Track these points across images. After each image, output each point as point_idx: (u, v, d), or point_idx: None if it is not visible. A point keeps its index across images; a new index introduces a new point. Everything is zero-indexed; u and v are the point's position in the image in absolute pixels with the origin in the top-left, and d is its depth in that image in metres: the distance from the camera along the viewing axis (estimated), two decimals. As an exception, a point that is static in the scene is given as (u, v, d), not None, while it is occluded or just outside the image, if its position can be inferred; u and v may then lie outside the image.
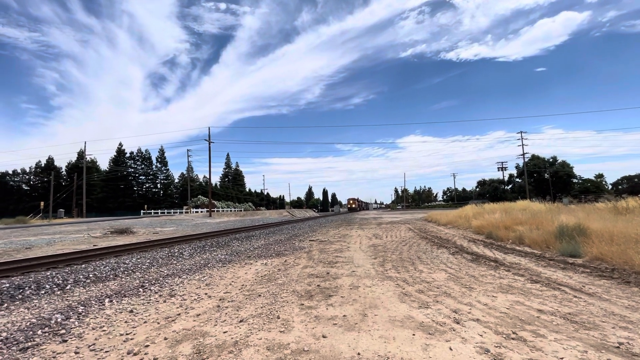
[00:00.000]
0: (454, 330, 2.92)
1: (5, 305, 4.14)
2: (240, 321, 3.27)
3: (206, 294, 4.50)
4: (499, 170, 68.24)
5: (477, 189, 79.42)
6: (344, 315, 3.35)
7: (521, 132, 53.92)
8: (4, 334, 3.11)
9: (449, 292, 4.18)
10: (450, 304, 3.68)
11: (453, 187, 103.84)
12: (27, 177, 75.50)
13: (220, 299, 4.17)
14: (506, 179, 69.78)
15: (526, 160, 56.36)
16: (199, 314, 3.59)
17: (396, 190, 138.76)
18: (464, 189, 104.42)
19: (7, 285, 4.89)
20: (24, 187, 74.09)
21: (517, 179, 67.83)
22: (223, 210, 56.58)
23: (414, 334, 2.85)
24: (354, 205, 75.70)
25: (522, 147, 54.10)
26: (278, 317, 3.34)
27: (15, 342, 2.95)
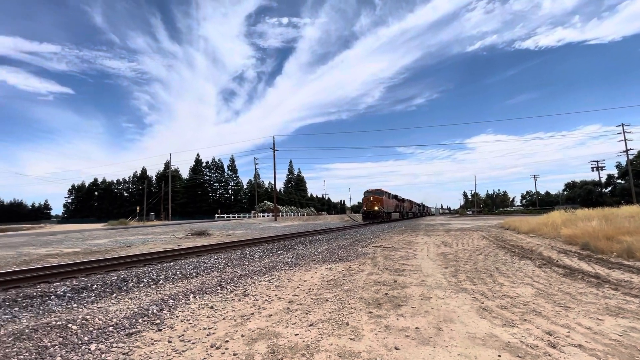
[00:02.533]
0: (549, 355, 2.55)
1: (115, 294, 4.87)
2: (310, 325, 3.33)
3: (276, 295, 4.69)
4: (593, 170, 58.00)
5: (565, 193, 69.25)
6: (417, 328, 3.17)
7: (622, 124, 45.71)
8: (114, 320, 3.64)
9: (538, 310, 3.68)
10: (542, 324, 3.23)
11: (534, 191, 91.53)
12: (126, 185, 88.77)
13: (289, 301, 4.31)
14: (603, 180, 59.23)
15: (631, 157, 47.43)
16: (271, 315, 3.75)
17: (465, 195, 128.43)
18: (547, 193, 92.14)
19: (115, 278, 5.76)
20: (125, 194, 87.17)
21: (619, 180, 57.10)
22: (287, 215, 58.91)
23: (499, 355, 2.56)
24: (376, 208, 31.05)
25: (625, 143, 45.74)
26: (347, 324, 3.31)
27: (123, 328, 3.44)
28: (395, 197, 39.56)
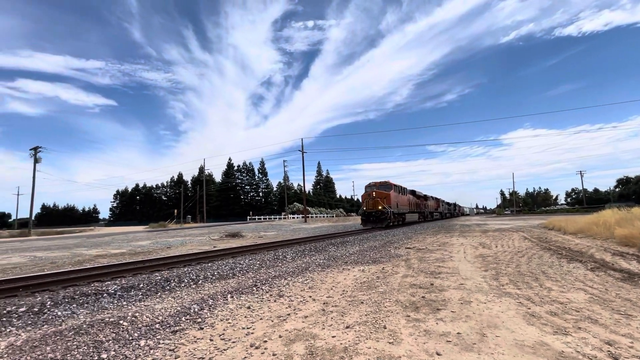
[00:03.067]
0: (610, 367, 2.34)
1: (159, 294, 5.15)
2: (347, 327, 3.31)
3: (310, 296, 4.72)
4: (650, 164, 52.82)
5: (618, 189, 63.49)
6: (458, 333, 3.05)
7: (685, 112, 40.96)
8: (160, 318, 3.85)
9: (594, 317, 3.39)
10: (600, 333, 2.97)
11: (580, 188, 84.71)
12: (165, 190, 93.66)
13: (324, 303, 4.32)
14: (663, 174, 53.53)
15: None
16: (307, 316, 3.78)
17: (502, 193, 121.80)
18: (596, 190, 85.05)
19: (159, 277, 6.09)
20: (163, 197, 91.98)
21: (683, 175, 51.38)
22: (316, 216, 59.23)
23: (552, 365, 2.39)
24: (380, 207, 21.66)
25: (689, 133, 40.99)
26: (384, 327, 3.25)
27: (168, 326, 3.62)
28: (413, 193, 31.18)
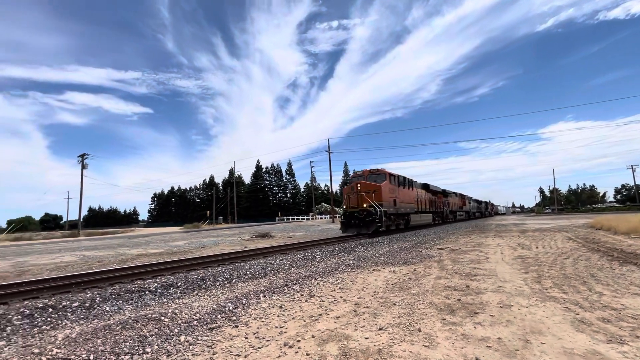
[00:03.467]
0: (677, 381, 2.12)
1: (196, 292, 5.37)
2: (380, 329, 3.26)
3: (341, 297, 4.71)
4: None
5: (677, 185, 57.58)
6: (499, 338, 2.90)
7: None
8: (198, 315, 4.01)
9: (654, 325, 3.09)
10: (662, 342, 2.70)
11: (631, 184, 77.55)
12: (197, 192, 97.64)
13: (355, 304, 4.29)
14: None
15: None
16: (339, 317, 3.77)
17: (542, 191, 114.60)
18: (651, 185, 77.52)
19: (195, 276, 6.36)
20: (196, 199, 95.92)
21: None
22: (344, 217, 58.98)
23: (607, 376, 2.21)
24: (365, 205, 15.14)
25: None
26: (419, 330, 3.17)
27: (205, 323, 3.76)
28: (425, 187, 24.98)
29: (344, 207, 16.47)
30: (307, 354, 2.76)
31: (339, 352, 2.77)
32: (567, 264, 6.60)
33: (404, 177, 19.81)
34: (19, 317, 4.05)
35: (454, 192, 35.16)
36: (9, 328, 3.72)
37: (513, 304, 3.97)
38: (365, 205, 15.24)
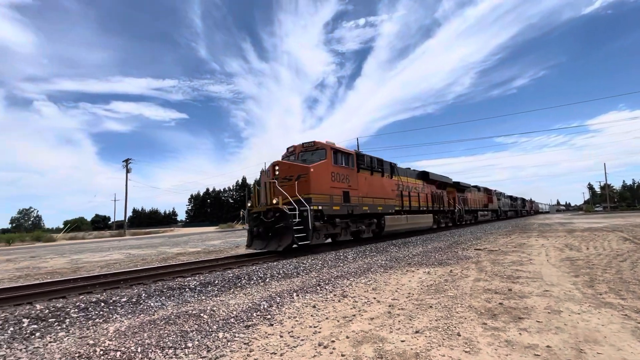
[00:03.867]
0: None
1: (232, 290, 5.55)
2: (416, 332, 3.17)
3: (374, 298, 4.64)
4: None
5: None
6: (548, 346, 2.71)
7: None
8: (235, 313, 4.14)
9: None
10: None
11: (700, 178, 68.99)
12: (231, 193, 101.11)
13: (389, 305, 4.20)
14: None
15: None
16: (373, 318, 3.72)
17: (591, 187, 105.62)
18: None
19: (231, 275, 6.57)
20: (230, 200, 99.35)
21: None
22: (374, 216, 58.26)
23: (679, 394, 1.98)
24: (275, 201, 8.88)
25: None
26: (458, 335, 3.04)
27: (241, 320, 3.87)
28: (424, 176, 18.54)
29: (249, 205, 10.29)
30: (342, 355, 2.74)
31: (375, 354, 2.73)
32: (624, 267, 6.03)
33: (373, 158, 13.07)
34: (76, 310, 4.41)
35: (475, 186, 29.21)
36: (68, 320, 4.06)
37: (562, 309, 3.69)
38: (275, 202, 9.03)
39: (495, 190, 35.72)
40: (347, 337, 3.15)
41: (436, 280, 5.67)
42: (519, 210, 50.13)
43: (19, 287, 5.92)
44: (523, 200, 57.85)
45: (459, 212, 23.22)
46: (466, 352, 2.67)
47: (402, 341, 2.96)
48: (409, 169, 17.66)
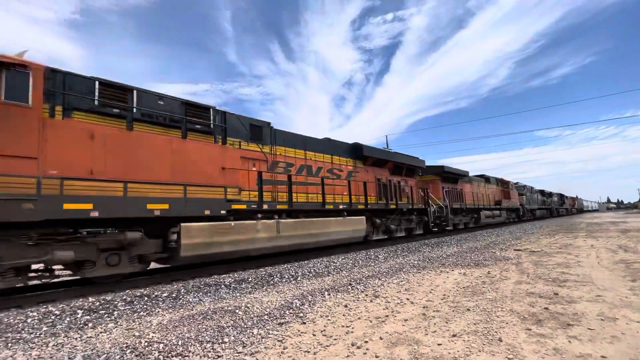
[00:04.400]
0: None
1: (265, 287, 5.67)
2: (453, 335, 3.05)
3: (407, 299, 4.53)
4: None
5: None
6: (603, 357, 2.49)
7: None
8: (268, 310, 4.22)
9: None
10: None
11: None
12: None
13: (423, 307, 4.09)
14: None
15: None
16: (406, 319, 3.63)
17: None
18: None
19: (264, 273, 6.72)
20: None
21: None
22: (405, 215, 56.92)
23: None
24: None
25: None
26: (500, 340, 2.88)
27: (275, 317, 3.94)
28: (355, 153, 11.63)
29: None
30: (376, 356, 2.70)
31: (410, 356, 2.66)
32: (691, 272, 5.42)
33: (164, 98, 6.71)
34: (123, 303, 4.72)
35: (481, 176, 22.35)
36: (116, 312, 4.36)
37: (618, 316, 3.38)
38: None
39: (517, 183, 28.74)
40: (381, 338, 3.10)
41: (473, 281, 5.43)
42: (554, 208, 41.04)
43: (74, 281, 6.44)
44: (561, 196, 48.72)
45: (438, 212, 15.47)
46: (509, 359, 2.53)
47: (439, 344, 2.86)
48: (321, 139, 10.86)
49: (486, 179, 23.02)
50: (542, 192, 36.88)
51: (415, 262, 7.71)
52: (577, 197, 64.91)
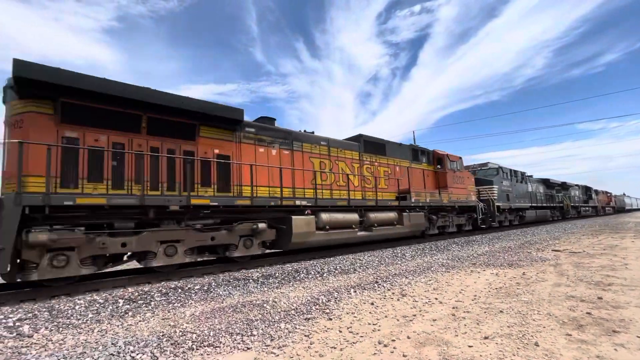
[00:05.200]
0: None
1: (291, 283, 5.77)
2: (485, 338, 2.94)
3: (436, 298, 4.42)
4: None
5: None
6: (654, 367, 2.30)
7: None
8: (295, 305, 4.29)
9: None
10: None
11: None
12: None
13: (453, 307, 3.97)
14: None
15: None
16: (435, 320, 3.55)
17: None
18: None
19: (290, 268, 6.83)
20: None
21: None
22: (433, 213, 55.35)
23: None
24: None
25: None
26: (536, 345, 2.74)
27: (301, 313, 3.99)
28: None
29: None
30: (404, 356, 2.67)
31: (439, 357, 2.60)
32: None
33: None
34: (159, 294, 4.99)
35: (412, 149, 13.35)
36: (153, 303, 4.62)
37: (673, 325, 3.10)
38: None
39: (486, 164, 18.98)
40: (408, 338, 3.06)
41: (506, 282, 5.20)
42: (568, 206, 28.48)
43: (115, 272, 6.89)
44: (587, 190, 35.68)
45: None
46: (546, 364, 2.40)
47: (470, 346, 2.77)
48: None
49: (424, 153, 14.16)
50: (546, 182, 26.42)
51: (444, 261, 7.50)
52: (612, 193, 48.15)
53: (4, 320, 3.80)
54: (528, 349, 2.69)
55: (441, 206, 12.95)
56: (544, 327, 3.15)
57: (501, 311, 3.72)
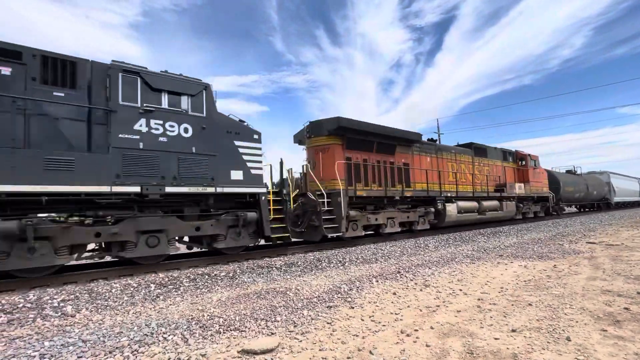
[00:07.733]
0: None
1: (313, 271, 5.85)
2: (513, 331, 2.86)
3: (460, 290, 4.34)
4: None
5: None
6: (700, 367, 2.16)
7: None
8: (317, 293, 4.35)
9: None
10: None
11: None
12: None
13: (478, 299, 3.89)
14: None
15: None
16: (459, 311, 3.49)
17: None
18: None
19: (312, 257, 6.91)
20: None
21: None
22: (457, 203, 53.98)
23: None
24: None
25: None
26: (568, 339, 2.64)
27: (324, 301, 4.05)
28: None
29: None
30: (427, 345, 2.65)
31: (464, 348, 2.56)
32: None
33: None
34: (187, 280, 5.22)
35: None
36: (182, 288, 4.84)
37: None
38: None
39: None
40: (432, 328, 3.03)
41: (536, 275, 5.01)
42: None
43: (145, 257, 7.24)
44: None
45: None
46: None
47: (496, 339, 2.71)
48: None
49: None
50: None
51: (469, 252, 7.32)
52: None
53: (49, 301, 4.12)
54: (559, 343, 2.59)
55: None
56: (577, 322, 3.02)
57: (530, 304, 3.59)
